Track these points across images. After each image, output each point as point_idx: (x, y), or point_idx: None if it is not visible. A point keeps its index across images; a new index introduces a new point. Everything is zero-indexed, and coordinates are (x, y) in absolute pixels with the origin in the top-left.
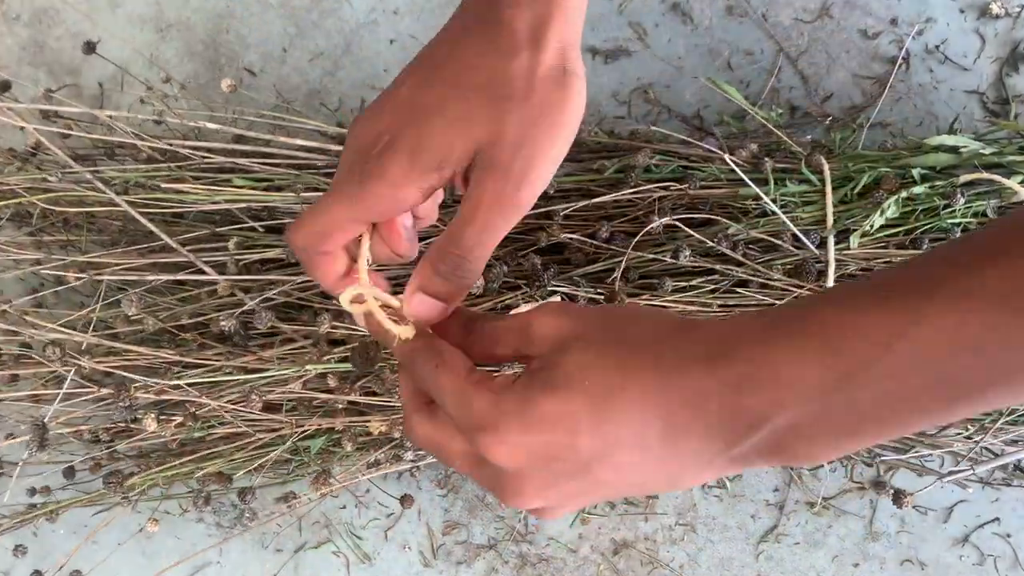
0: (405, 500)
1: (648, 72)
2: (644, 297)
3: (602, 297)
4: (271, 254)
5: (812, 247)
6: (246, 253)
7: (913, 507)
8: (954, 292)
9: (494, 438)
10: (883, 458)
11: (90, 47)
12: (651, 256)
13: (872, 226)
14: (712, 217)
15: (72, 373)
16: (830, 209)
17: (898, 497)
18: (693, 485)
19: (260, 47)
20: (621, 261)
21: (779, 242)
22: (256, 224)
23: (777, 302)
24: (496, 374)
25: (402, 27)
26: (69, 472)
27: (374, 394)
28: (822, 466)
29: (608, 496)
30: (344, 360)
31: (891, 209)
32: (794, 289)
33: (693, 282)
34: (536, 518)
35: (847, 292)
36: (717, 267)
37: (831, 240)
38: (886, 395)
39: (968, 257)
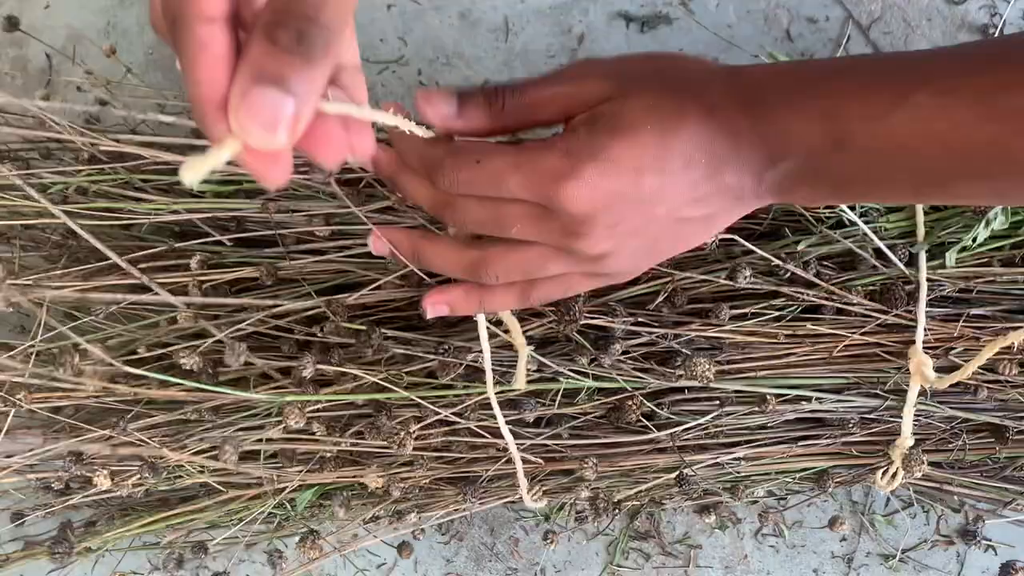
0: (402, 549)
1: (692, 43)
2: (695, 325)
3: (647, 330)
4: (243, 273)
5: (900, 264)
6: (212, 273)
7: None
8: (940, 87)
9: (575, 184)
10: (982, 515)
11: (12, 23)
12: (701, 277)
13: (974, 240)
14: (776, 225)
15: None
16: (920, 219)
17: (1008, 571)
18: (724, 225)
19: None
20: (668, 283)
21: (860, 256)
22: (223, 237)
23: (858, 331)
24: None
25: None
26: (19, 523)
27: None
28: (897, 511)
29: (657, 240)
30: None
31: (998, 219)
32: (877, 315)
33: (755, 307)
34: (601, 271)
35: (853, 63)
36: (784, 290)
37: (922, 256)
38: (866, 165)
39: (963, 59)
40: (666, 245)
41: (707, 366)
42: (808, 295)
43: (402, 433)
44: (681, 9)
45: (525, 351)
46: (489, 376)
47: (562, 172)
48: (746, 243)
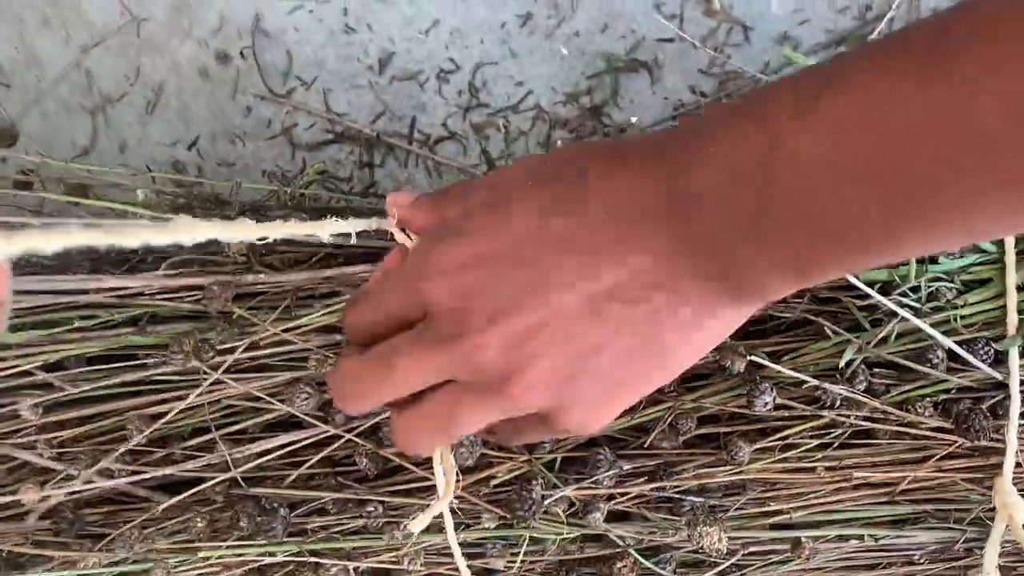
0: None
1: None
2: (704, 464)
3: (638, 479)
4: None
5: (983, 366)
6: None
7: None
8: (874, 61)
9: (439, 259)
10: None
11: None
12: (704, 403)
13: None
14: (811, 320)
15: None
16: (1012, 299)
17: None
18: (711, 343)
19: None
20: (668, 411)
21: (925, 361)
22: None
23: (924, 462)
24: None
25: None
26: None
27: None
28: None
29: (604, 367)
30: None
31: None
32: (946, 436)
33: (787, 433)
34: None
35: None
36: (824, 414)
37: (1014, 356)
38: (812, 184)
39: (900, 37)
40: (620, 372)
41: (718, 536)
42: (854, 417)
43: None
44: None
45: (446, 499)
46: (448, 518)
47: (424, 258)
48: (767, 361)
